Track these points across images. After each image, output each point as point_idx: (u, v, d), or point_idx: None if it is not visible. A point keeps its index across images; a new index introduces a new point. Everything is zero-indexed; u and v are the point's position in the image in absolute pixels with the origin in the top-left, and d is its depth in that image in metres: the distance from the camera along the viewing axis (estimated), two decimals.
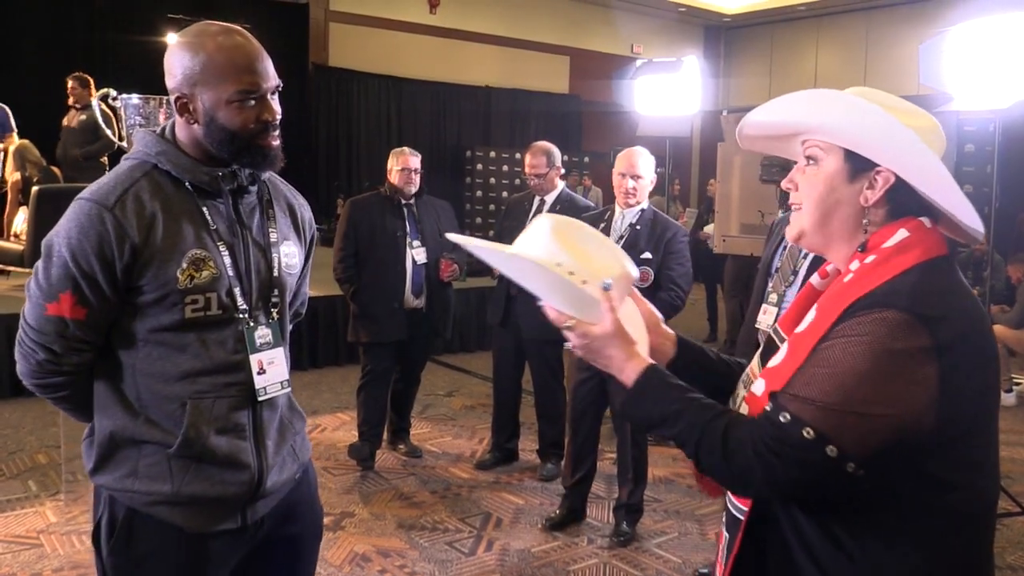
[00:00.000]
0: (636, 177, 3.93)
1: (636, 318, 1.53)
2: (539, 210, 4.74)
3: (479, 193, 14.24)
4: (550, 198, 4.74)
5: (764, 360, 1.39)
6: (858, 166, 1.30)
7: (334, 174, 13.57)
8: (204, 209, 1.68)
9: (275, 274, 1.77)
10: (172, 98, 1.66)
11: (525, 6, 15.73)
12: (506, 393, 4.90)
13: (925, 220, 1.30)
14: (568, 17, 16.28)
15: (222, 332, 1.68)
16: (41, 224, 6.86)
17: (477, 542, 3.95)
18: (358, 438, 4.90)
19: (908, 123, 1.30)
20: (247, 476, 1.72)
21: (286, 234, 1.82)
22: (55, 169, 8.16)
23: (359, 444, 4.88)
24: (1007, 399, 6.72)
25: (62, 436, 4.26)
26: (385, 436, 5.04)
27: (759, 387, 1.32)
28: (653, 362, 1.38)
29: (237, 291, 1.69)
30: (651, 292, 3.86)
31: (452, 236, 1.50)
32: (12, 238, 7.80)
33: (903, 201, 1.30)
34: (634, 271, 1.43)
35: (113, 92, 2.80)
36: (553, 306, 1.39)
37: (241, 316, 1.70)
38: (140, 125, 2.65)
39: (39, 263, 1.63)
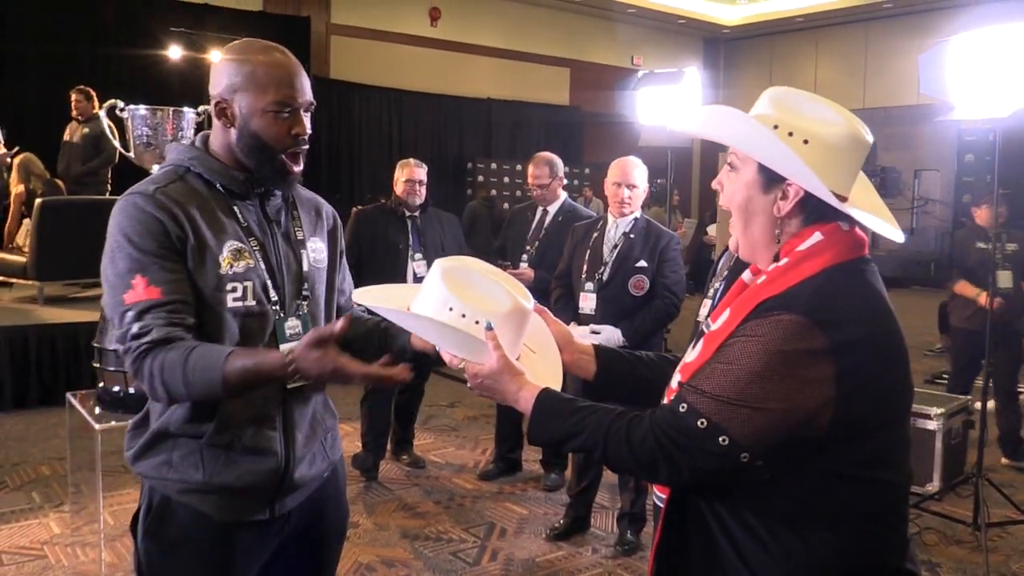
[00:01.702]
0: (631, 187, 3.94)
1: (547, 339, 1.64)
2: (542, 220, 4.76)
3: None
4: (553, 208, 4.76)
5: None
6: (770, 177, 1.37)
7: (335, 186, 13.57)
8: (235, 208, 1.77)
9: (305, 268, 1.85)
10: (212, 104, 1.76)
11: (525, 18, 15.80)
12: None
13: (843, 224, 1.36)
14: (568, 29, 16.34)
15: (256, 324, 1.75)
16: (44, 236, 6.87)
17: (481, 552, 3.95)
18: (361, 449, 4.91)
19: (820, 131, 1.35)
20: (273, 464, 1.77)
21: (312, 232, 1.91)
22: (59, 182, 8.18)
23: (363, 455, 4.88)
24: None
25: (68, 448, 4.26)
26: (388, 447, 5.05)
27: (675, 380, 1.41)
28: (544, 387, 1.46)
29: (269, 284, 1.77)
30: (646, 300, 3.89)
31: (356, 295, 1.60)
32: (15, 250, 7.81)
33: (816, 208, 1.36)
34: (528, 303, 1.54)
35: (120, 103, 2.82)
36: (448, 351, 1.52)
37: (273, 308, 1.77)
38: (147, 136, 2.67)
39: (106, 271, 1.67)
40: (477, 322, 1.47)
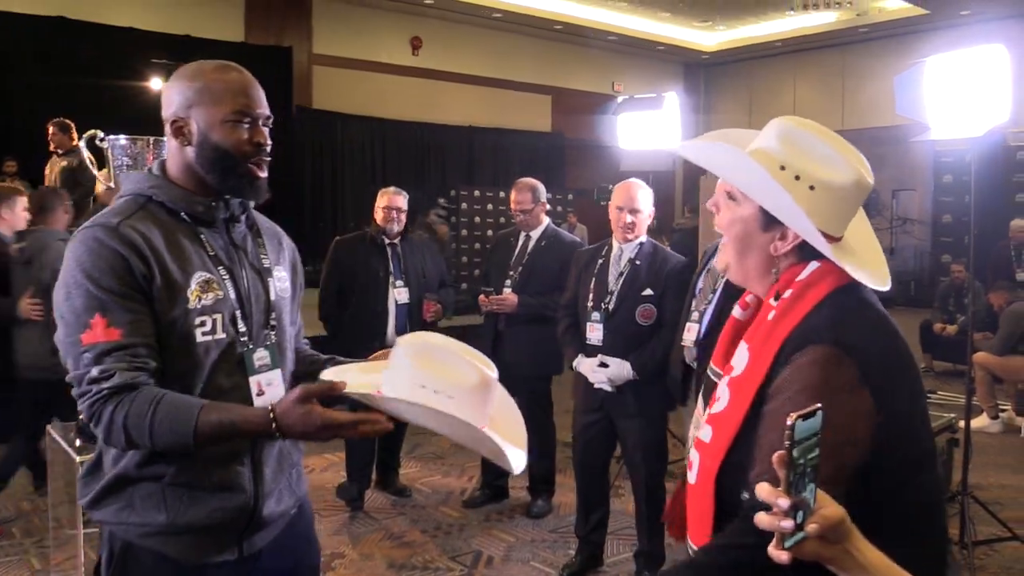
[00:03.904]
0: (635, 211, 3.76)
1: (506, 400, 1.73)
2: (525, 245, 4.76)
3: (464, 232, 14.22)
4: (535, 233, 4.76)
5: (707, 399, 1.43)
6: (771, 218, 1.37)
7: (319, 216, 13.58)
8: (202, 236, 1.71)
9: (272, 298, 1.80)
10: (167, 124, 1.71)
11: (506, 46, 15.92)
12: None
13: None
14: (549, 56, 16.47)
15: (224, 356, 1.68)
16: None
17: None
18: (346, 479, 4.87)
19: (826, 178, 1.34)
20: (242, 500, 1.70)
21: (276, 260, 1.87)
22: None
23: (347, 485, 4.84)
24: (993, 426, 6.75)
25: (49, 483, 4.20)
26: (374, 476, 5.01)
27: (706, 434, 1.36)
28: None
29: (238, 314, 1.71)
30: (654, 329, 3.73)
31: (327, 375, 1.65)
32: None
33: (812, 249, 1.35)
34: (493, 372, 1.61)
35: (100, 134, 2.80)
36: (429, 428, 1.60)
37: (242, 339, 1.71)
38: (127, 166, 2.66)
39: (60, 306, 1.59)
40: (450, 397, 1.53)
